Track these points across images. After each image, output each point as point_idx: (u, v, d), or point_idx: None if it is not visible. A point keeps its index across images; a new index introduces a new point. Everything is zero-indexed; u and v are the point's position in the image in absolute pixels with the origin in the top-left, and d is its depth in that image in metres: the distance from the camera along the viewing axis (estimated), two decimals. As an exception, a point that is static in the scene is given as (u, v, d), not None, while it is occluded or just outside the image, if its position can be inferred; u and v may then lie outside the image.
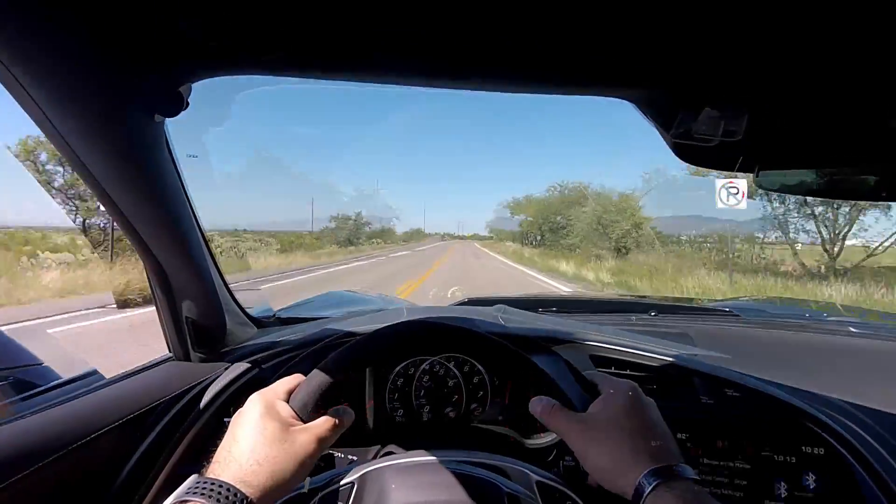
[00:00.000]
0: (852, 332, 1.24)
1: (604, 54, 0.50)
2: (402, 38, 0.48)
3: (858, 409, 0.81)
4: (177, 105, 0.60)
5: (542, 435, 0.90)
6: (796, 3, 0.38)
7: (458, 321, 0.69)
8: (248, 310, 1.05)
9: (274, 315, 1.20)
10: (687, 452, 0.82)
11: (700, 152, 0.64)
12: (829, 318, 1.36)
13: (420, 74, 0.58)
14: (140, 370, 0.82)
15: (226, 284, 0.91)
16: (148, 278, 0.77)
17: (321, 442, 0.49)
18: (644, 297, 2.18)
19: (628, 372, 0.90)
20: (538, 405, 0.53)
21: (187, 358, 0.85)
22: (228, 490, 0.41)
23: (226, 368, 0.84)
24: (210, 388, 0.80)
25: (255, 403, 0.50)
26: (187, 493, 0.41)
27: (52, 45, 0.47)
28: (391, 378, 0.92)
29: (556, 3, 0.41)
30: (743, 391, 0.82)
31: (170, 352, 0.87)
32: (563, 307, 1.41)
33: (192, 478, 0.43)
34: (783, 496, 0.76)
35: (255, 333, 1.02)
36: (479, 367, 0.92)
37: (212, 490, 0.41)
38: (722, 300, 2.05)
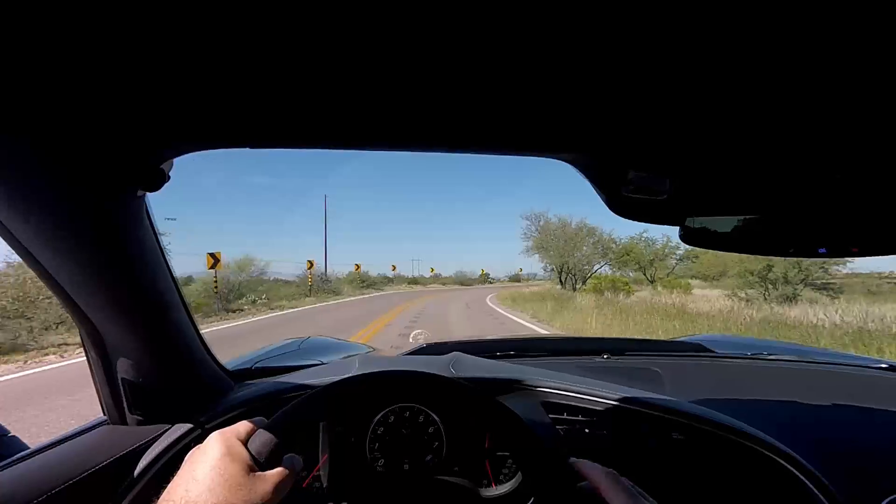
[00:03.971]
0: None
1: (536, 124, 0.55)
2: (364, 111, 0.51)
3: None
4: (160, 180, 0.61)
5: (495, 486, 0.89)
6: (711, 72, 0.43)
7: (409, 373, 0.69)
8: (224, 363, 1.01)
9: (252, 366, 1.16)
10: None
11: (631, 207, 0.69)
12: (769, 357, 1.44)
13: (370, 140, 0.61)
14: (70, 436, 0.77)
15: (202, 341, 0.87)
16: (82, 338, 0.73)
17: (277, 493, 0.47)
18: (603, 337, 2.23)
19: (580, 417, 0.91)
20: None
21: (123, 421, 0.80)
22: None
23: (165, 431, 0.79)
24: (147, 453, 0.75)
25: (215, 442, 0.47)
26: None
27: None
28: (345, 430, 0.90)
29: (496, 80, 0.45)
30: (690, 432, 0.84)
31: (103, 414, 0.81)
32: (521, 350, 1.42)
33: None
34: None
35: (235, 387, 0.98)
36: (434, 416, 0.91)
37: None
38: (683, 337, 2.13)
